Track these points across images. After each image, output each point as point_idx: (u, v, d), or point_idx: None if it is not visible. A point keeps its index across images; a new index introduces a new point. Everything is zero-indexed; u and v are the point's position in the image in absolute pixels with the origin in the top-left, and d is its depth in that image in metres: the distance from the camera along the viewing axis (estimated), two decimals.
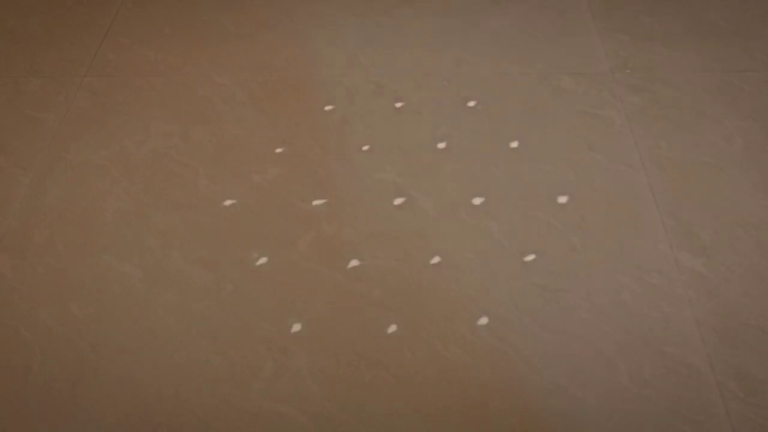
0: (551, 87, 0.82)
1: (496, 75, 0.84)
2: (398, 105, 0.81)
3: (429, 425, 0.55)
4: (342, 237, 0.68)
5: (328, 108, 0.81)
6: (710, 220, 0.67)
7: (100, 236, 0.69)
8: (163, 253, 0.67)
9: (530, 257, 0.66)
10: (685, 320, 0.60)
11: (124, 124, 0.81)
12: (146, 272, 0.66)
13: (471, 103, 0.81)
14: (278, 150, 0.77)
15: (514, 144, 0.76)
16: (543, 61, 0.85)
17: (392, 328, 0.61)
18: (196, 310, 0.63)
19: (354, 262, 0.66)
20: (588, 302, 0.62)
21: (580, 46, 0.87)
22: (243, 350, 0.60)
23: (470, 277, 0.64)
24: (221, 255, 0.67)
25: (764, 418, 0.55)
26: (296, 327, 0.61)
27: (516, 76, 0.83)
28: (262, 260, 0.66)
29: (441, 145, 0.76)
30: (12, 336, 0.61)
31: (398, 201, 0.71)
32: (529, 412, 0.55)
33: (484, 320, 0.61)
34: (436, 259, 0.66)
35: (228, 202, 0.72)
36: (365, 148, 0.76)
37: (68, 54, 0.91)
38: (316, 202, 0.71)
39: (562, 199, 0.70)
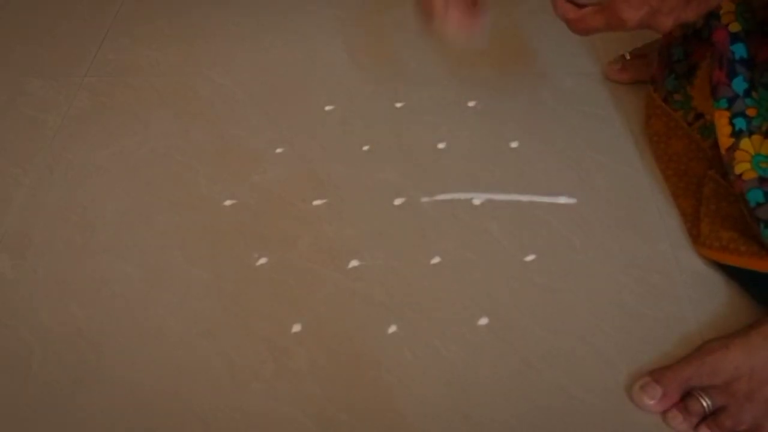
0: (551, 87, 0.82)
1: (496, 75, 0.84)
2: (398, 105, 0.81)
3: (429, 425, 0.55)
4: (342, 237, 0.68)
5: (328, 108, 0.81)
6: None
7: (100, 236, 0.69)
8: (163, 253, 0.67)
9: (530, 257, 0.66)
10: (685, 320, 0.60)
11: (124, 124, 0.81)
12: (146, 272, 0.66)
13: (471, 103, 0.81)
14: (278, 150, 0.77)
15: (514, 144, 0.76)
16: (543, 61, 0.85)
17: (392, 328, 0.61)
18: (196, 310, 0.63)
19: (354, 262, 0.66)
20: (588, 302, 0.62)
21: (580, 46, 0.87)
22: (243, 350, 0.60)
23: (470, 277, 0.64)
24: (221, 255, 0.67)
25: None
26: (296, 327, 0.61)
27: (516, 76, 0.83)
28: (262, 260, 0.66)
29: (441, 145, 0.76)
30: (12, 336, 0.61)
31: (398, 201, 0.71)
32: (529, 412, 0.55)
33: (484, 320, 0.61)
34: (436, 259, 0.66)
35: (228, 202, 0.72)
36: (365, 148, 0.76)
37: (68, 54, 0.91)
38: (316, 202, 0.71)
39: (563, 200, 0.70)
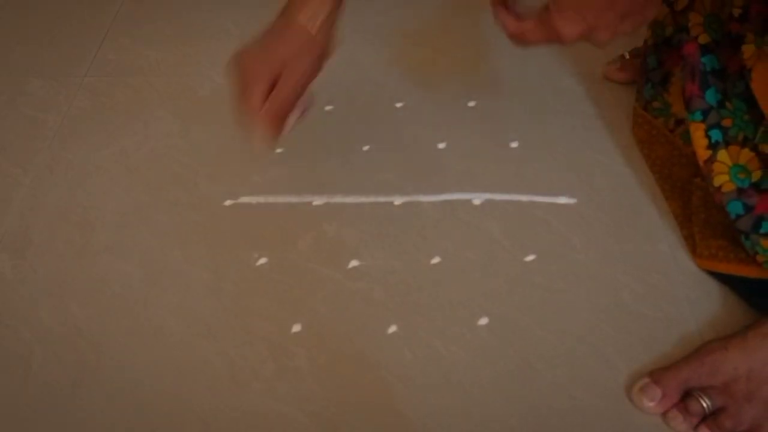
0: (551, 87, 0.82)
1: (497, 75, 0.84)
2: (398, 105, 0.81)
3: (429, 425, 0.55)
4: (342, 237, 0.68)
5: (328, 108, 0.81)
6: None
7: (100, 236, 0.69)
8: (163, 253, 0.67)
9: (530, 257, 0.66)
10: (685, 320, 0.60)
11: (124, 124, 0.81)
12: (146, 272, 0.66)
13: (471, 103, 0.81)
14: (278, 150, 0.77)
15: (514, 144, 0.76)
16: (543, 62, 0.85)
17: (392, 328, 0.61)
18: (196, 310, 0.63)
19: (354, 262, 0.66)
20: (588, 302, 0.62)
21: (580, 46, 0.87)
22: (243, 350, 0.60)
23: (470, 277, 0.64)
24: (221, 255, 0.67)
25: None
26: (296, 327, 0.61)
27: (516, 76, 0.83)
28: (262, 260, 0.66)
29: (441, 145, 0.76)
30: (12, 336, 0.61)
31: (398, 201, 0.71)
32: (529, 412, 0.55)
33: (484, 320, 0.61)
34: (436, 259, 0.66)
35: (228, 202, 0.72)
36: (365, 148, 0.76)
37: (68, 54, 0.91)
38: (316, 202, 0.71)
39: (563, 200, 0.70)
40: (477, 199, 0.71)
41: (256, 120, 0.62)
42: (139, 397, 0.57)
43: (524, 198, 0.70)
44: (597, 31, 0.49)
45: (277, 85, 0.63)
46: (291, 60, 0.62)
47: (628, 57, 0.81)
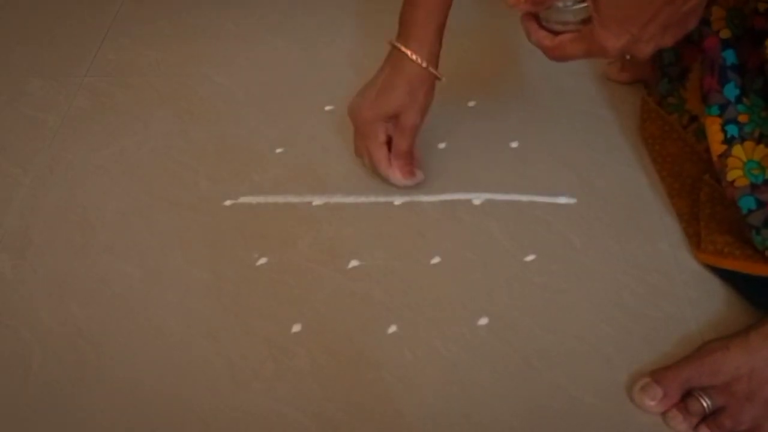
0: (552, 87, 0.82)
1: (496, 75, 0.84)
2: None
3: (429, 425, 0.55)
4: (342, 237, 0.68)
5: (328, 108, 0.81)
6: None
7: (100, 236, 0.69)
8: (163, 253, 0.67)
9: (530, 257, 0.66)
10: (686, 320, 0.60)
11: (124, 124, 0.81)
12: (146, 272, 0.66)
13: (471, 103, 0.81)
14: (278, 150, 0.77)
15: (514, 144, 0.76)
16: (544, 62, 0.85)
17: (392, 329, 0.61)
18: (196, 310, 0.63)
19: (354, 262, 0.66)
20: (588, 302, 0.62)
21: None
22: (243, 350, 0.60)
23: (470, 277, 0.64)
24: (221, 255, 0.67)
25: None
26: (296, 327, 0.61)
27: (516, 77, 0.83)
28: (262, 260, 0.66)
29: (441, 145, 0.76)
30: (12, 336, 0.61)
31: (398, 201, 0.71)
32: (529, 412, 0.55)
33: (484, 320, 0.61)
34: (436, 259, 0.66)
35: (228, 202, 0.72)
36: None
37: (68, 54, 0.91)
38: (316, 202, 0.71)
39: (563, 200, 0.70)
40: (477, 199, 0.70)
41: (390, 174, 0.68)
42: (139, 397, 0.57)
43: (524, 198, 0.70)
44: (640, 44, 0.48)
45: (395, 136, 0.67)
46: (406, 102, 0.65)
47: (628, 57, 0.81)
